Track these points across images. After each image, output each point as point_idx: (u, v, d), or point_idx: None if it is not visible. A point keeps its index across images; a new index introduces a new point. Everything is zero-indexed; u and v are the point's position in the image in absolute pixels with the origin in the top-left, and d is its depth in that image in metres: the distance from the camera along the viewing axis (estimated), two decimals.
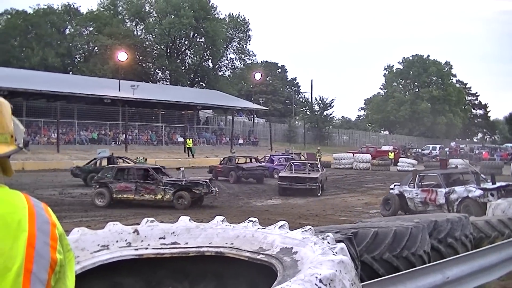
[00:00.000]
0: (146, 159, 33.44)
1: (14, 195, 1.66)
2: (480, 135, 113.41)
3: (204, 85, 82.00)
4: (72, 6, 75.98)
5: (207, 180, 20.89)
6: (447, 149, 65.95)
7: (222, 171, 32.71)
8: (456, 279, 6.36)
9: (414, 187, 18.43)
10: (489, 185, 17.18)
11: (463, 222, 8.42)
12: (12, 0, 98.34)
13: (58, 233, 1.65)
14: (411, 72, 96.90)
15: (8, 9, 71.58)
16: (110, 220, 4.50)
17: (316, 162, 28.66)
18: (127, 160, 29.61)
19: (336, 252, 3.14)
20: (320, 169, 27.37)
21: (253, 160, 34.89)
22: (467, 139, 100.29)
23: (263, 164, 34.77)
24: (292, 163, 28.45)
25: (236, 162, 33.43)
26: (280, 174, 27.09)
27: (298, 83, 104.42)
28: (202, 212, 18.27)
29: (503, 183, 17.40)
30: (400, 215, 17.62)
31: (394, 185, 19.50)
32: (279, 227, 3.79)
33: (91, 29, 74.75)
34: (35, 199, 1.69)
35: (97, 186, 20.73)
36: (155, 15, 78.84)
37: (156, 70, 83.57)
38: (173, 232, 4.07)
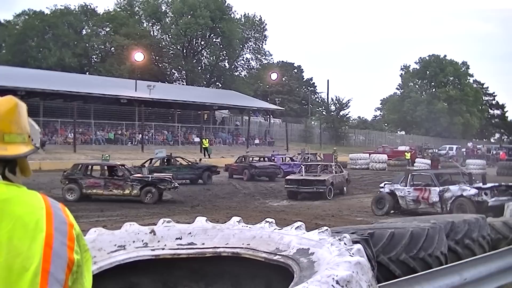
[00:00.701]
0: (203, 159, 34.36)
1: (32, 195, 1.66)
2: (497, 135, 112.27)
3: (220, 85, 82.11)
4: (89, 6, 76.51)
5: (171, 177, 22.26)
6: (464, 149, 65.43)
7: (236, 169, 34.15)
8: (473, 281, 6.31)
9: (406, 186, 18.77)
10: (481, 185, 17.54)
11: (480, 223, 8.37)
12: (30, 1, 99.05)
13: (75, 233, 1.66)
14: (427, 72, 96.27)
15: (26, 10, 72.31)
16: (126, 220, 4.52)
17: (331, 163, 27.71)
18: (180, 161, 30.26)
19: (353, 253, 3.12)
20: (334, 171, 26.22)
21: (266, 159, 36.37)
22: (484, 140, 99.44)
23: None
24: (304, 165, 28.13)
25: (250, 160, 34.88)
26: (287, 177, 26.17)
27: (314, 83, 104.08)
28: (218, 213, 18.34)
29: (496, 183, 17.94)
30: (392, 214, 18.20)
31: (385, 184, 19.94)
32: (295, 228, 3.78)
33: (107, 29, 75.22)
34: (52, 199, 1.70)
35: (67, 182, 21.60)
36: (172, 15, 78.97)
37: (172, 70, 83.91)
38: (190, 233, 4.07)
